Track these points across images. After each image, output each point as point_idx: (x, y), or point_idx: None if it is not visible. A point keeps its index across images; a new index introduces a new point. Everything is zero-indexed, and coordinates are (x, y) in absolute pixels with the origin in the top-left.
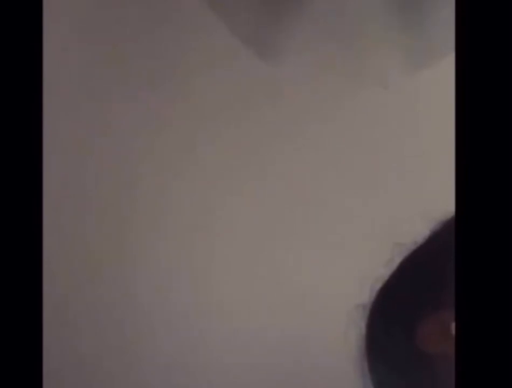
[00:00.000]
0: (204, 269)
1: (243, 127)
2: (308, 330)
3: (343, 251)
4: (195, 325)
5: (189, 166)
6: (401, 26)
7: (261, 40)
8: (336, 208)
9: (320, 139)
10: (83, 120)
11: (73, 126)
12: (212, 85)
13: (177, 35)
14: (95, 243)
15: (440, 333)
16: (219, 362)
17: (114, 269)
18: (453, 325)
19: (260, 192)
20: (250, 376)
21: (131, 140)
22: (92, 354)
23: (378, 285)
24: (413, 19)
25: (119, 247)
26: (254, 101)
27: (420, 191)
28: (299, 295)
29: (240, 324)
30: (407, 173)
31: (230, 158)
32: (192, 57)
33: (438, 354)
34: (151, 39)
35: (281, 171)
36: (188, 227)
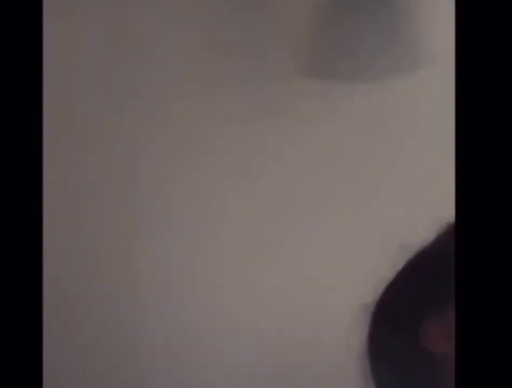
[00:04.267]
0: (206, 271)
1: (247, 130)
2: (311, 330)
3: (348, 252)
4: (197, 326)
5: (191, 166)
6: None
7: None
8: (340, 209)
9: (325, 138)
10: (83, 120)
11: (73, 126)
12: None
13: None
14: (96, 241)
15: (443, 333)
16: (220, 363)
17: (116, 270)
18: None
19: (263, 192)
20: (250, 375)
21: (131, 143)
22: (92, 354)
23: (382, 286)
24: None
25: (121, 248)
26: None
27: (426, 192)
28: (303, 294)
29: (241, 324)
30: (413, 174)
31: (232, 161)
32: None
33: (442, 354)
34: (152, 40)
35: (284, 170)
36: (190, 228)
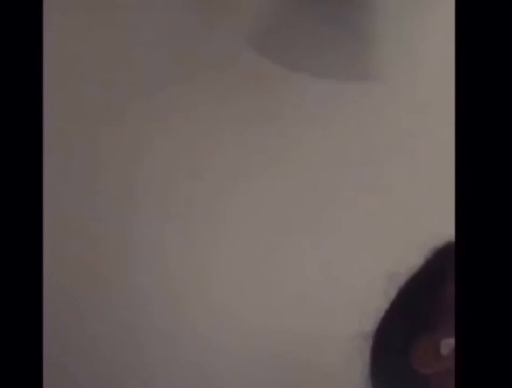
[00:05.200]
0: (206, 271)
1: (250, 130)
2: (310, 332)
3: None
4: (197, 325)
5: (194, 165)
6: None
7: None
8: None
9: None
10: (84, 119)
11: (73, 125)
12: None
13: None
14: (96, 241)
15: (432, 354)
16: (220, 363)
17: (116, 270)
18: (443, 344)
19: (263, 193)
20: (251, 375)
21: (135, 140)
22: (92, 354)
23: (378, 314)
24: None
25: (121, 248)
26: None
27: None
28: (302, 296)
29: (241, 324)
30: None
31: (236, 159)
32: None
33: (432, 375)
34: (154, 40)
35: (284, 171)
36: (190, 228)
